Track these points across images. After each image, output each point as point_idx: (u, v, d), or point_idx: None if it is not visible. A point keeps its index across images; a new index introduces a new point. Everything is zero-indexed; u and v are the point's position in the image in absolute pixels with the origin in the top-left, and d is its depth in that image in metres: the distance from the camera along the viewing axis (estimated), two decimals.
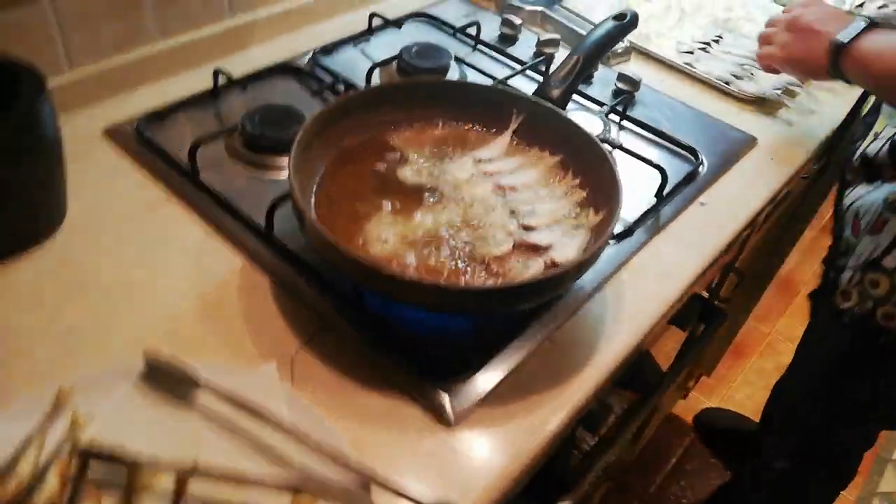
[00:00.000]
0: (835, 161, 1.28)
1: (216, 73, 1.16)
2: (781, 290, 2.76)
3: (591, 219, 0.91)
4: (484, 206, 0.93)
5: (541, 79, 1.26)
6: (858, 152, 1.13)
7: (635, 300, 0.94)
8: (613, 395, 1.14)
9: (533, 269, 0.84)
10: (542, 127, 1.01)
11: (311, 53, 1.30)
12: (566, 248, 0.87)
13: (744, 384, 2.46)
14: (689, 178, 1.12)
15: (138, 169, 1.03)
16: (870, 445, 1.37)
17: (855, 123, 1.25)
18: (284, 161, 1.04)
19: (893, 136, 1.07)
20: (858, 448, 1.37)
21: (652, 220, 1.05)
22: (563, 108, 1.05)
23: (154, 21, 1.15)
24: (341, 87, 1.20)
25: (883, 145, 1.08)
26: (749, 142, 1.24)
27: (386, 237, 0.86)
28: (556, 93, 1.04)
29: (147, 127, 1.07)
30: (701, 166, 1.14)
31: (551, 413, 0.81)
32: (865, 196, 1.08)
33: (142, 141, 1.05)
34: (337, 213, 0.90)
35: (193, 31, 1.21)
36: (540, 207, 0.92)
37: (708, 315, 1.21)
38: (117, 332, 0.82)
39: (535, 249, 0.87)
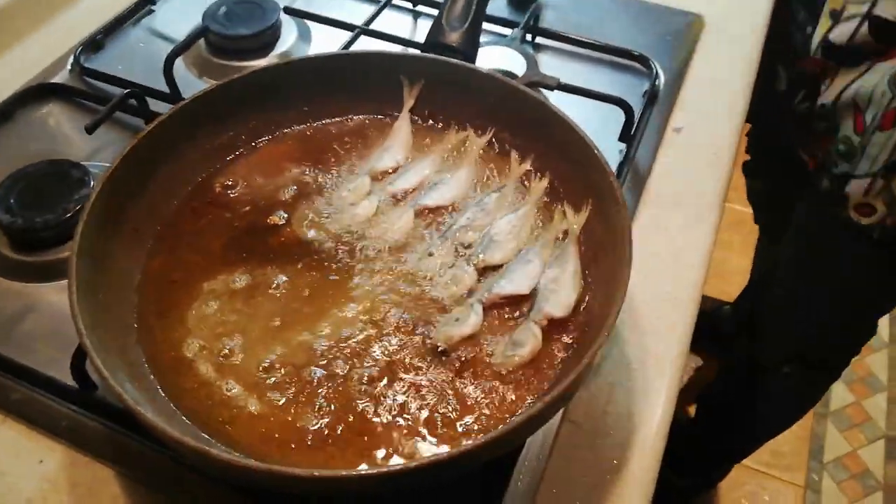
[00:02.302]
0: (775, 54, 1.00)
1: None
2: None
3: (572, 220, 0.60)
4: (414, 252, 0.59)
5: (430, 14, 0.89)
6: (816, 42, 0.86)
7: (656, 309, 0.66)
8: None
9: (530, 344, 0.53)
10: (450, 94, 0.67)
11: (71, 56, 0.87)
12: (559, 289, 0.56)
13: None
14: (651, 99, 0.82)
15: None
16: (870, 337, 1.23)
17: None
18: None
19: (869, 11, 0.81)
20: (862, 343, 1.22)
21: (629, 176, 0.75)
22: (473, 55, 0.70)
23: None
24: (132, 101, 0.79)
25: (858, 26, 0.82)
26: (695, 23, 0.95)
27: (257, 363, 0.52)
28: (455, 36, 0.69)
29: None
30: (658, 79, 0.84)
31: None
32: (859, 82, 0.83)
33: None
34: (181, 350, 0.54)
35: None
36: (496, 228, 0.60)
37: None
38: None
39: (516, 302, 0.56)
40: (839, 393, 1.86)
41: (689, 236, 0.72)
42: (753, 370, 1.32)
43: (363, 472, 0.41)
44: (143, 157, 0.59)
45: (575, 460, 0.57)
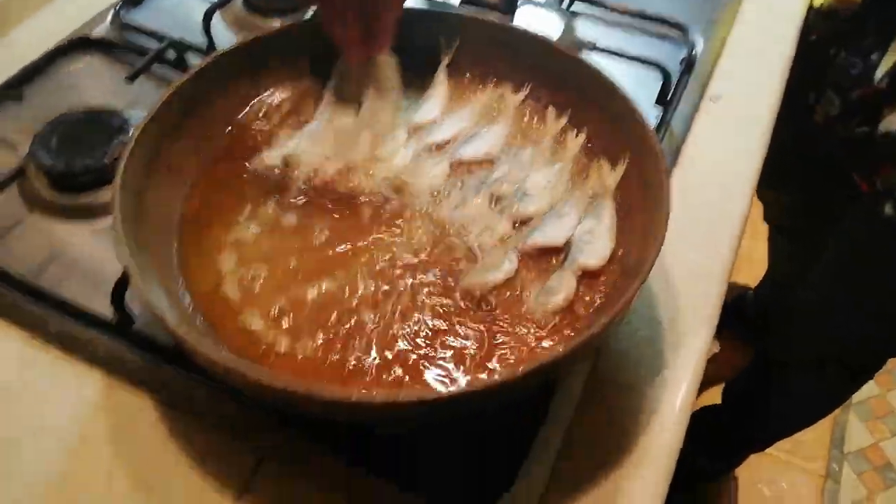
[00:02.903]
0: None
1: None
2: None
3: (607, 176, 0.60)
4: (449, 202, 0.60)
5: None
6: (884, 70, 0.83)
7: (688, 271, 0.66)
8: None
9: (564, 291, 0.53)
10: (488, 50, 0.67)
11: (111, 10, 0.88)
12: (595, 241, 0.56)
13: None
14: (688, 67, 0.82)
15: None
16: None
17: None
18: None
19: None
20: None
21: (664, 141, 0.75)
22: (511, 12, 0.70)
23: None
24: (171, 54, 0.80)
25: None
26: None
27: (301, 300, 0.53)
28: None
29: None
30: (695, 47, 0.84)
31: (638, 496, 0.53)
32: None
33: None
34: (218, 283, 0.55)
35: None
36: (532, 181, 0.60)
37: None
38: None
39: (550, 254, 0.56)
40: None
41: (724, 202, 0.71)
42: (773, 366, 1.31)
43: (399, 399, 0.41)
44: (186, 100, 0.59)
45: (603, 413, 0.57)
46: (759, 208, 1.43)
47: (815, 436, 1.71)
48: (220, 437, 0.54)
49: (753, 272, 1.74)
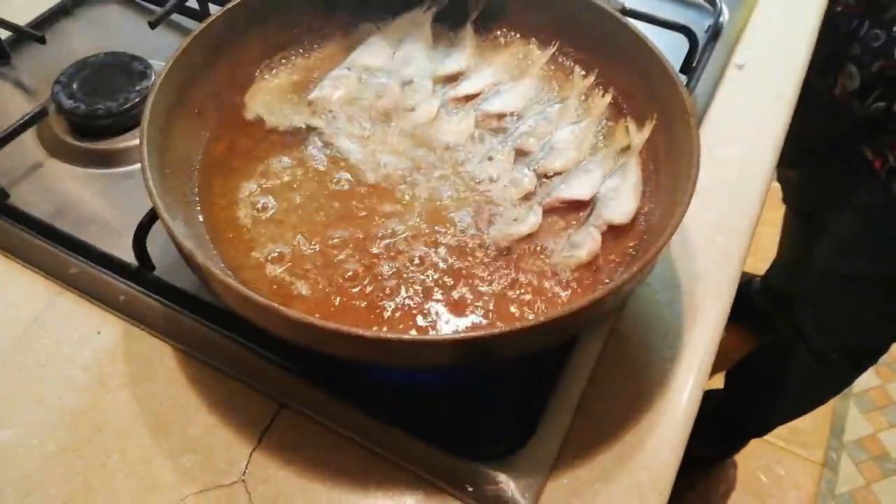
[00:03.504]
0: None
1: None
2: None
3: (634, 135, 0.60)
4: (474, 154, 0.59)
5: None
6: None
7: (708, 237, 0.65)
8: None
9: (588, 246, 0.53)
10: (516, 6, 0.67)
11: None
12: (620, 197, 0.56)
13: None
14: (714, 34, 0.81)
15: None
16: None
17: None
18: (135, 141, 0.66)
19: None
20: None
21: None
22: None
23: None
24: (194, 2, 0.79)
25: None
26: None
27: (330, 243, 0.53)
28: None
29: None
30: (721, 15, 0.83)
31: (656, 452, 0.53)
32: None
33: None
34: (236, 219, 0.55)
35: None
36: (558, 136, 0.60)
37: None
38: None
39: (575, 209, 0.56)
40: (864, 375, 1.83)
41: (746, 171, 0.71)
42: (778, 352, 1.30)
43: (424, 338, 0.41)
44: (212, 41, 0.59)
45: (621, 369, 0.57)
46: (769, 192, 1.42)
47: (813, 424, 1.71)
48: (239, 386, 0.54)
49: (760, 260, 1.74)
